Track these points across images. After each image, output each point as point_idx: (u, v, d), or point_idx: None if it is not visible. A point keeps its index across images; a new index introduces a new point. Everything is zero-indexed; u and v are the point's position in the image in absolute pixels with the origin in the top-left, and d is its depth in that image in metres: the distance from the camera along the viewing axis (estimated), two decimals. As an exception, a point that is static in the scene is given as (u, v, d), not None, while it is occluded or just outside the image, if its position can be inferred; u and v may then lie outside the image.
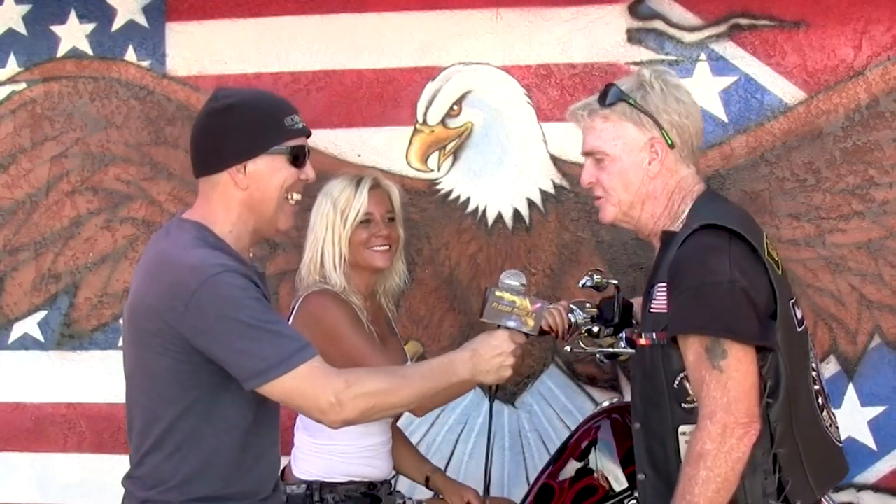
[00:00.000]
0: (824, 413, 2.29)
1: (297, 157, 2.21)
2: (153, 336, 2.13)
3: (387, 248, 2.87)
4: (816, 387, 2.28)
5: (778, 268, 2.25)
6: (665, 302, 2.20)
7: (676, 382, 2.20)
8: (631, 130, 2.27)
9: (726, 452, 2.09)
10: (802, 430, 2.20)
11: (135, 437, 2.23)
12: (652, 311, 2.25)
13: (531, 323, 2.26)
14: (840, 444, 2.34)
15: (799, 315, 2.28)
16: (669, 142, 2.26)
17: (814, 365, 2.30)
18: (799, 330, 2.25)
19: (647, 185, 2.28)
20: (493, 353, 2.22)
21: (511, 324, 2.25)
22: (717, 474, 2.09)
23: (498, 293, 2.26)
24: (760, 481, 2.13)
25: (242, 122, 2.17)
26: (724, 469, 2.09)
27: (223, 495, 2.17)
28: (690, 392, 2.19)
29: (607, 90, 2.29)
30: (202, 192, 2.22)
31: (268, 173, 2.18)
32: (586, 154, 2.35)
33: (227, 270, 2.09)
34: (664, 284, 2.21)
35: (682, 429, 2.20)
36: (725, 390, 2.10)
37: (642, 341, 2.27)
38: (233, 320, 2.06)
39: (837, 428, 2.35)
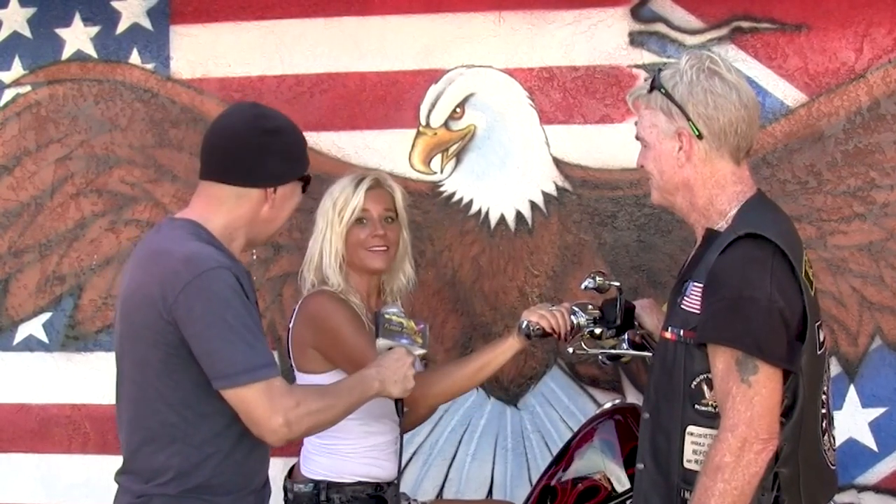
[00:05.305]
0: (825, 437, 2.28)
1: (307, 184, 2.35)
2: (145, 328, 2.16)
3: (384, 249, 2.84)
4: (823, 410, 2.27)
5: (811, 288, 2.22)
6: (699, 303, 2.19)
7: (694, 383, 2.19)
8: (662, 119, 2.26)
9: (744, 466, 2.08)
10: (805, 452, 2.19)
11: (125, 431, 2.27)
12: (683, 307, 2.23)
13: (420, 341, 2.50)
14: (834, 468, 2.33)
15: (821, 338, 2.25)
16: (696, 132, 2.22)
17: (825, 388, 2.28)
18: (819, 353, 2.23)
19: (679, 174, 2.26)
20: (396, 366, 2.40)
21: (404, 341, 2.47)
22: (733, 487, 2.08)
23: (387, 316, 2.49)
24: (758, 497, 2.12)
25: (287, 147, 2.28)
26: (741, 483, 2.09)
27: (217, 486, 2.21)
28: (707, 395, 2.18)
29: (654, 75, 2.28)
30: (211, 196, 2.25)
31: (288, 197, 2.30)
32: (636, 138, 2.36)
33: (221, 267, 2.13)
34: (700, 285, 2.19)
35: (690, 429, 2.20)
36: (751, 405, 2.09)
37: (667, 335, 2.25)
38: (217, 318, 2.10)
39: (834, 451, 2.35)
